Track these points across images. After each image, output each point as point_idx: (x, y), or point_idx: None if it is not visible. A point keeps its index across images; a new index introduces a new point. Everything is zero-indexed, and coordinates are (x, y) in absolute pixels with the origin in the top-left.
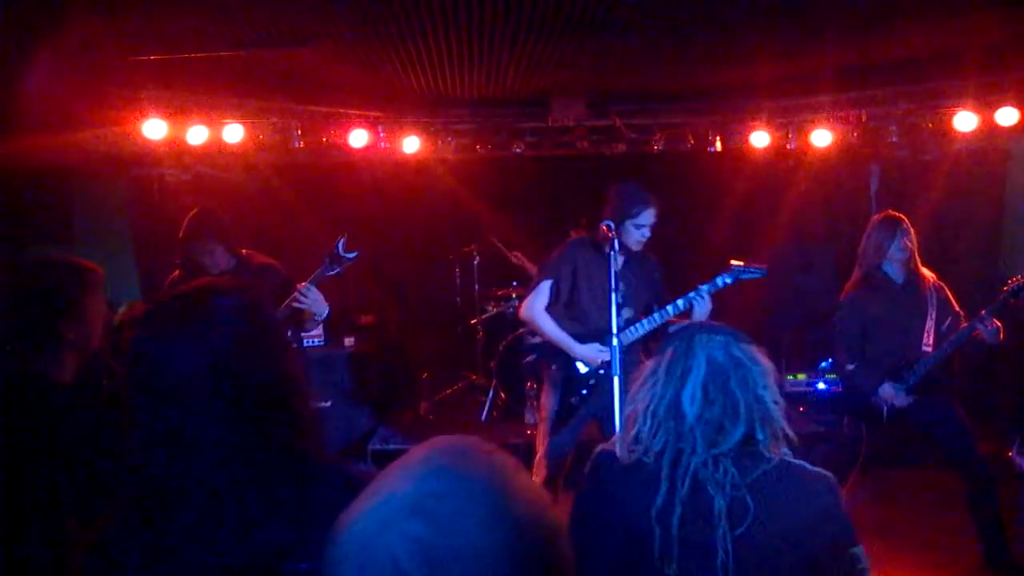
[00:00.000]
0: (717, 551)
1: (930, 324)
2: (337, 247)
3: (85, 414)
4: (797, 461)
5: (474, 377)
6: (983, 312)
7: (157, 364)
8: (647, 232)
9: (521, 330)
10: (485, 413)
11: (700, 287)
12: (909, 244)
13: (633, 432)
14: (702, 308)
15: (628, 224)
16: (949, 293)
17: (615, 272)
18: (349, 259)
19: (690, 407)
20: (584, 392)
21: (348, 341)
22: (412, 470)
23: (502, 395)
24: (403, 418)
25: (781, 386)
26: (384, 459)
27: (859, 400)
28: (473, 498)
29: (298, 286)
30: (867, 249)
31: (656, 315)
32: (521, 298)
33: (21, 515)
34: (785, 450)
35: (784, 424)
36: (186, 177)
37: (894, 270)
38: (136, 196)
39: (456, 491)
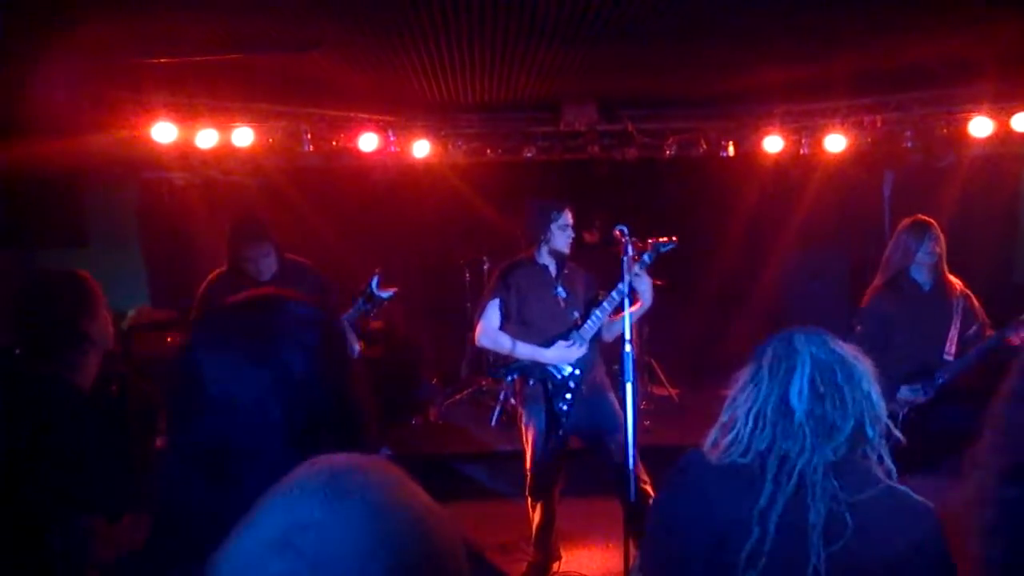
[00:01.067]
0: (808, 564)
1: (954, 332)
2: (371, 285)
3: (104, 418)
4: (902, 487)
5: (483, 383)
6: (1022, 317)
7: (214, 379)
8: (571, 232)
9: None
10: (495, 419)
11: (634, 264)
12: (937, 249)
13: (732, 435)
14: (643, 284)
15: (554, 228)
16: (975, 302)
17: (626, 279)
18: (384, 299)
19: (799, 403)
20: (569, 397)
21: (356, 346)
22: (284, 497)
23: (512, 400)
24: (413, 424)
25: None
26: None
27: None
28: (346, 525)
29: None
30: (894, 253)
31: (605, 303)
32: None
33: (42, 518)
34: (890, 467)
35: (888, 423)
36: (196, 181)
37: (921, 275)
38: (146, 200)
39: (327, 521)
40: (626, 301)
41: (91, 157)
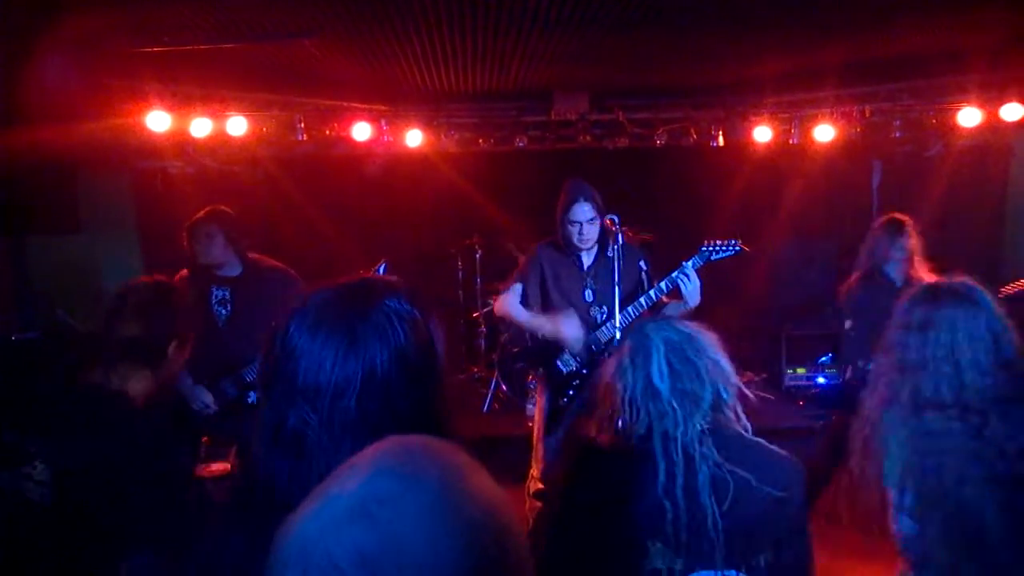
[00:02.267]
0: (707, 523)
1: None
2: (379, 273)
3: (159, 437)
4: (762, 441)
5: (475, 370)
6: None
7: (303, 360)
8: (584, 230)
9: None
10: (487, 405)
11: (684, 264)
12: (909, 246)
13: (617, 423)
14: (690, 286)
15: (564, 222)
16: None
17: (618, 268)
18: None
19: (661, 382)
20: (571, 392)
21: None
22: (359, 470)
23: (503, 388)
24: None
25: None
26: None
27: (852, 395)
28: (419, 502)
29: None
30: (868, 249)
31: (642, 299)
32: None
33: (99, 542)
34: (747, 424)
35: (738, 382)
36: (190, 170)
37: (894, 271)
38: (141, 189)
39: (402, 494)
40: (616, 289)
41: (85, 145)
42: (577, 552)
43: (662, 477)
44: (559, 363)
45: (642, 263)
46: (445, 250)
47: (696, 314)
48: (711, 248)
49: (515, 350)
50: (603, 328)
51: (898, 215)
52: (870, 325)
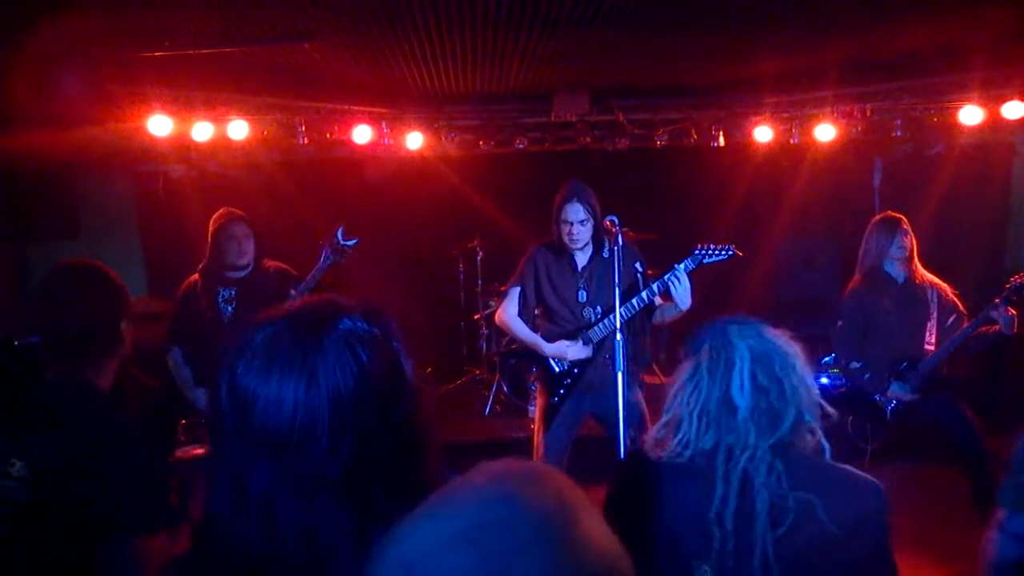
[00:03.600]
0: (755, 551)
1: (932, 323)
2: (337, 236)
3: (128, 425)
4: (843, 465)
5: (477, 372)
6: (997, 300)
7: (260, 405)
8: (577, 230)
9: None
10: (488, 408)
11: (676, 266)
12: (908, 243)
13: (679, 435)
14: (680, 288)
15: (557, 221)
16: (950, 293)
17: (617, 270)
18: (349, 247)
19: (742, 399)
20: (562, 392)
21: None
22: (471, 493)
23: (504, 390)
24: None
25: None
26: None
27: (862, 399)
28: (529, 533)
29: (291, 291)
30: (868, 249)
31: (634, 301)
32: None
33: (84, 539)
34: (824, 445)
35: (823, 403)
36: (192, 174)
37: (895, 269)
38: (142, 193)
39: (514, 524)
40: (617, 290)
41: (86, 150)
42: None
43: (717, 501)
44: (552, 362)
45: (638, 264)
46: (446, 252)
47: (700, 315)
48: (704, 251)
49: (512, 347)
50: (595, 328)
51: (893, 212)
52: (865, 326)
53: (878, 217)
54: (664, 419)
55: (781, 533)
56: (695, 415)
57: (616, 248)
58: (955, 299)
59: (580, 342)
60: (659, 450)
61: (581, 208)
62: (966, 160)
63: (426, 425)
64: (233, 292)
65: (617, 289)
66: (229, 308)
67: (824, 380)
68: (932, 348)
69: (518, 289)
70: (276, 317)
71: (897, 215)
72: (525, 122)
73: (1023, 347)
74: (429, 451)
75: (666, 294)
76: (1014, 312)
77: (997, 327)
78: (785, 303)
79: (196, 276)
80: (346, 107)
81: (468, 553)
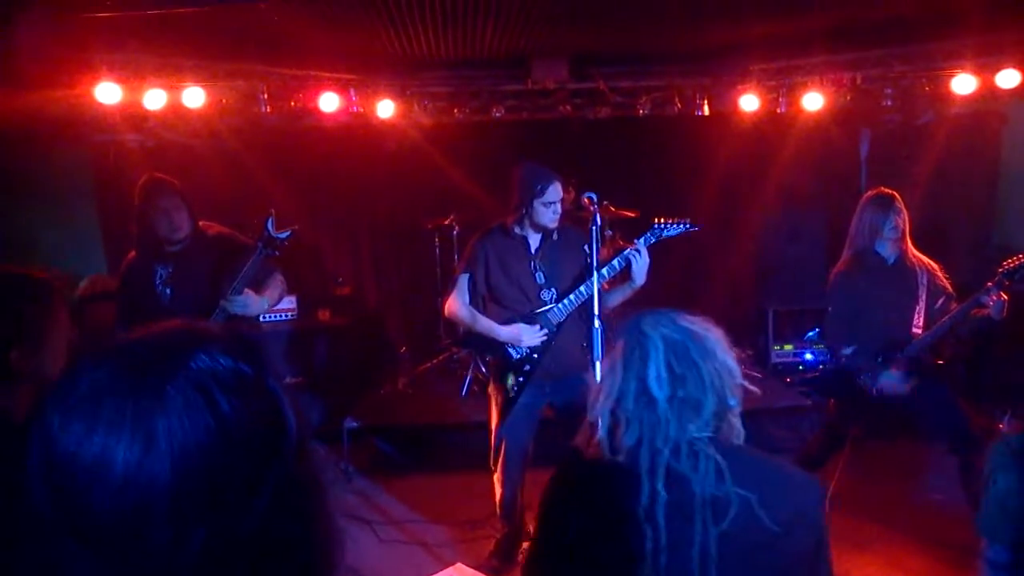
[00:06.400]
0: (695, 544)
1: (920, 305)
2: (267, 227)
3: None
4: (777, 459)
5: (455, 351)
6: (989, 284)
7: (78, 478)
8: (558, 208)
9: None
10: (465, 389)
11: (637, 240)
12: (901, 223)
13: (602, 435)
14: (640, 262)
15: (536, 204)
16: (941, 275)
17: (596, 248)
18: (283, 239)
19: (659, 390)
20: (520, 379)
21: (323, 314)
22: None
23: (482, 369)
24: (381, 393)
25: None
26: (361, 437)
27: (845, 381)
28: None
29: (221, 302)
30: (860, 228)
31: (582, 288)
32: None
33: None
34: (740, 430)
35: (742, 380)
36: (148, 144)
37: (885, 249)
38: (99, 164)
39: None
40: (596, 274)
41: (35, 119)
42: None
43: (644, 500)
44: (510, 349)
45: (586, 247)
46: (421, 227)
47: (684, 289)
48: (662, 226)
49: (466, 336)
50: (554, 309)
51: (886, 190)
52: (857, 309)
53: (871, 194)
54: (588, 418)
55: (723, 528)
56: (615, 412)
57: (594, 228)
58: (945, 282)
59: (538, 325)
60: (591, 450)
61: (560, 187)
62: (955, 130)
63: (313, 487)
64: (169, 270)
65: (596, 274)
66: (168, 290)
67: (809, 356)
68: (919, 331)
69: (467, 276)
70: (108, 351)
71: (891, 192)
72: (502, 89)
73: (1009, 331)
74: (317, 521)
75: (618, 277)
76: (1006, 297)
77: (987, 311)
78: (769, 277)
79: (134, 254)
80: (311, 73)
81: None
